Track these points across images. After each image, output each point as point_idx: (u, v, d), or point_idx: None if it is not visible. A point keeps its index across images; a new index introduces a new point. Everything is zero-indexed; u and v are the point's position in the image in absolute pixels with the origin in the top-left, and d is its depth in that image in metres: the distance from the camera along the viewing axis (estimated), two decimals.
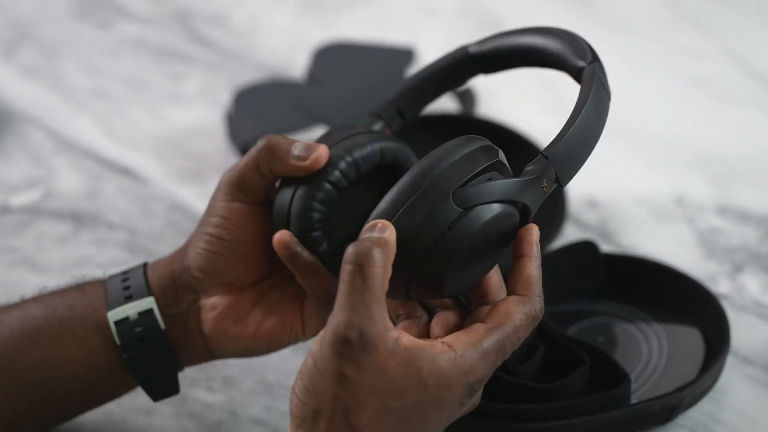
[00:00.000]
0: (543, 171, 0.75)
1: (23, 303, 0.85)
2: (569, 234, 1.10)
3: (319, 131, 1.21)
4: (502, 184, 0.73)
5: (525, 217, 0.75)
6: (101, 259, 1.11)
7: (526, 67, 0.84)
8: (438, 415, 0.71)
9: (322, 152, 0.79)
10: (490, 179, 0.73)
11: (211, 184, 1.20)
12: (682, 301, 0.98)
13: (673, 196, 1.16)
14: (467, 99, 1.27)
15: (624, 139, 1.25)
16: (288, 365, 0.97)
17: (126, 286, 0.84)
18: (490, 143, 0.75)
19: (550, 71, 0.84)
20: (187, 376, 0.95)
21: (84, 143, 1.26)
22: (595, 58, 0.79)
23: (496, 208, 0.73)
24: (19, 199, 1.19)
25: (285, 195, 0.80)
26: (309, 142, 0.80)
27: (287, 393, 0.95)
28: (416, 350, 0.70)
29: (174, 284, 0.84)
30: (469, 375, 0.71)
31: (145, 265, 0.86)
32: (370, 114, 0.85)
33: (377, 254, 0.69)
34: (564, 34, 0.82)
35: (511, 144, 1.16)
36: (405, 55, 1.30)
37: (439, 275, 0.73)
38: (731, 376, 0.94)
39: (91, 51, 1.42)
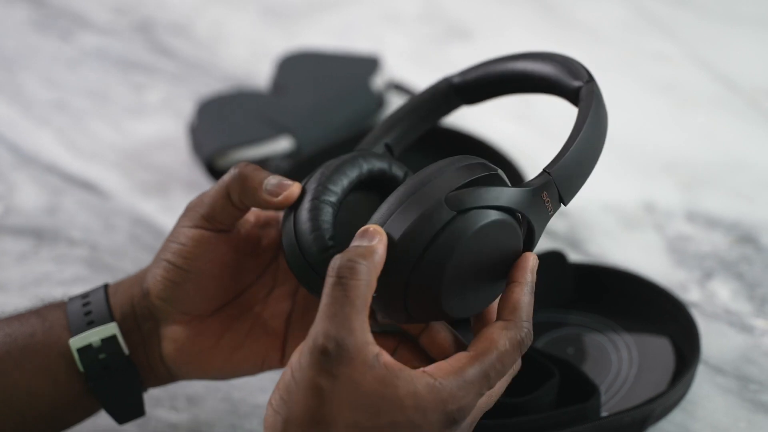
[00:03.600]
0: (543, 184, 0.73)
1: None
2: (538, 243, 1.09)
3: (283, 141, 1.19)
4: (498, 190, 0.71)
5: (530, 237, 0.74)
6: (62, 276, 1.09)
7: (515, 93, 0.83)
8: None
9: (294, 190, 0.77)
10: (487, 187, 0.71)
11: (175, 198, 1.19)
12: (651, 311, 0.97)
13: (642, 202, 1.15)
14: None
15: None
16: (253, 382, 0.95)
17: (87, 311, 0.82)
18: (487, 162, 0.73)
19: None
20: (150, 395, 0.93)
21: (45, 157, 1.25)
22: (591, 78, 0.78)
23: (493, 214, 0.71)
24: None
25: (288, 223, 0.77)
26: (282, 179, 0.78)
27: (253, 411, 0.94)
28: (395, 369, 0.69)
29: (133, 310, 0.82)
30: (447, 404, 0.69)
31: (106, 286, 0.84)
32: (358, 150, 0.82)
33: (361, 267, 0.68)
34: (556, 56, 0.80)
35: (480, 154, 1.15)
36: (370, 63, 1.29)
37: (435, 285, 0.71)
38: (702, 385, 0.93)
39: (52, 63, 1.41)
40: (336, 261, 0.69)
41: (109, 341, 0.81)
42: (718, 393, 0.93)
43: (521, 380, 0.88)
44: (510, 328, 0.72)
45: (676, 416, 0.91)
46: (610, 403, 0.90)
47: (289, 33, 1.46)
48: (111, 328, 0.81)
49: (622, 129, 1.26)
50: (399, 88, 1.29)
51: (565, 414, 0.85)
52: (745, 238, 1.09)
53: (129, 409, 0.83)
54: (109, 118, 1.31)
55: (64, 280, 1.08)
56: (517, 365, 0.75)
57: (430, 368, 0.70)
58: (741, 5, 1.46)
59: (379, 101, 1.27)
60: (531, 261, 0.74)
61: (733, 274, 1.05)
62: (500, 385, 0.75)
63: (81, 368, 0.81)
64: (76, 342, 0.81)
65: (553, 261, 0.99)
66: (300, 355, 0.69)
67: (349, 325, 0.68)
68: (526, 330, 0.73)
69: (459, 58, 1.38)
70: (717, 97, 1.31)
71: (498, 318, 0.73)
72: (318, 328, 0.68)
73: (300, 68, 1.29)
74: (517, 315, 0.73)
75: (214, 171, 1.18)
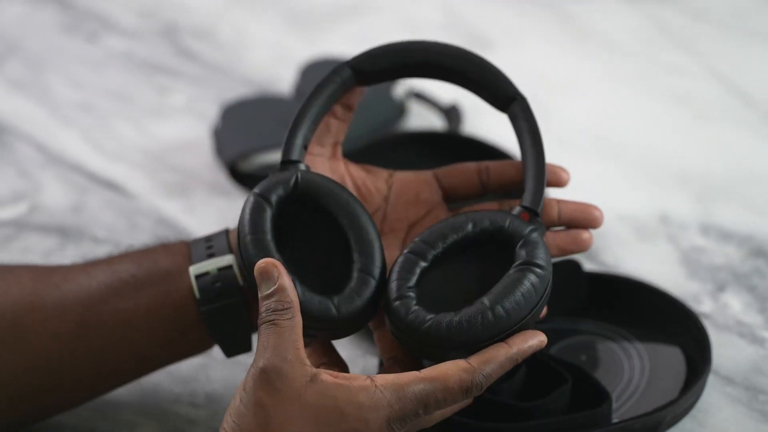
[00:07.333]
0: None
1: (111, 258, 0.89)
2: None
3: None
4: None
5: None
6: None
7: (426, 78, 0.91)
8: None
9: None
10: None
11: (198, 199, 1.21)
12: (664, 320, 0.98)
13: (656, 214, 1.16)
14: (453, 116, 1.27)
15: (607, 156, 1.26)
16: None
17: (209, 245, 0.88)
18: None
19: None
20: (170, 391, 0.95)
21: (70, 157, 1.27)
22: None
23: None
24: (5, 213, 1.19)
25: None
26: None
27: None
28: (335, 382, 0.73)
29: None
30: (386, 410, 0.73)
31: (227, 231, 0.89)
32: (282, 163, 0.84)
33: (288, 311, 0.75)
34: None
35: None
36: None
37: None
38: (712, 395, 0.95)
39: (78, 64, 1.43)
40: (269, 305, 0.74)
41: (225, 271, 0.86)
42: (727, 403, 0.95)
43: (534, 385, 0.90)
44: (467, 372, 0.75)
45: (685, 424, 0.92)
46: (622, 410, 0.92)
47: (311, 39, 1.47)
48: (228, 259, 0.86)
49: (637, 139, 1.27)
50: (420, 96, 1.30)
51: (577, 419, 0.86)
52: (758, 251, 1.11)
53: (237, 341, 0.88)
54: (134, 119, 1.33)
55: None
56: (457, 406, 0.78)
57: (377, 376, 0.74)
58: (757, 20, 1.47)
59: (400, 109, 1.29)
60: (534, 341, 0.78)
61: (746, 287, 1.06)
62: (436, 417, 0.77)
63: (197, 294, 0.86)
64: (195, 269, 0.86)
65: (568, 269, 1.00)
66: (245, 382, 0.74)
67: (283, 354, 0.73)
68: (479, 381, 0.75)
69: None
70: (732, 111, 1.32)
71: (467, 358, 0.76)
72: (257, 358, 0.73)
73: (323, 75, 1.31)
74: (482, 365, 0.75)
75: (237, 174, 1.20)
